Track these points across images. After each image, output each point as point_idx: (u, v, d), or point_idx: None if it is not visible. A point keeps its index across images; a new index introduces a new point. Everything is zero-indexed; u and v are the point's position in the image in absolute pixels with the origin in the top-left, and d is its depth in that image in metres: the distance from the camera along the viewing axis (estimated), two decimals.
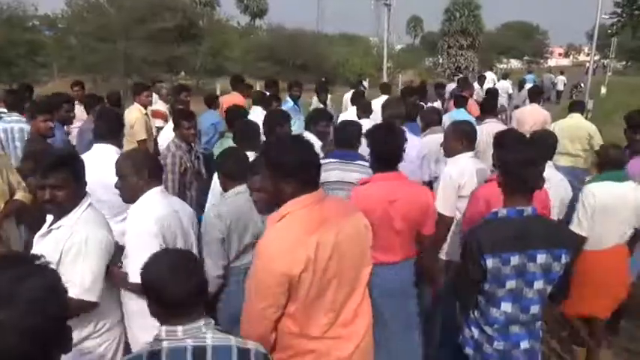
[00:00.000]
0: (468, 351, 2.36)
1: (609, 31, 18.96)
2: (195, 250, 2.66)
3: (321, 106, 7.27)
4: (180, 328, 1.59)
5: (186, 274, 1.64)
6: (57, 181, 2.23)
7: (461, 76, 16.39)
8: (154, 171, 2.61)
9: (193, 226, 2.79)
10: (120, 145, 3.59)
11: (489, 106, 5.92)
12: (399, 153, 2.80)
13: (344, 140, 3.53)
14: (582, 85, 21.95)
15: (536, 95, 7.32)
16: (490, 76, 15.68)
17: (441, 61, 35.67)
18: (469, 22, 33.55)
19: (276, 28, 36.72)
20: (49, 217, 2.40)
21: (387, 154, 2.79)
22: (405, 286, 2.86)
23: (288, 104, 6.92)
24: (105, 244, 2.33)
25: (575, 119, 6.14)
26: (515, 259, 2.15)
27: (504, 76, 15.97)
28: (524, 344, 2.26)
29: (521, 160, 2.22)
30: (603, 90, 23.50)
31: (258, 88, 11.12)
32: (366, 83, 17.81)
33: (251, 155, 3.16)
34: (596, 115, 15.10)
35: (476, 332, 2.32)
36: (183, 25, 24.35)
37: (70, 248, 2.23)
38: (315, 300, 1.90)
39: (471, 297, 2.31)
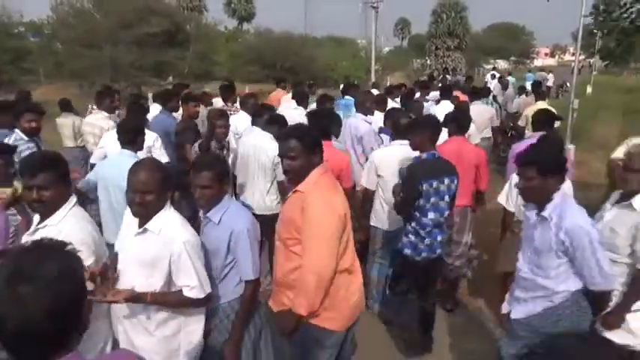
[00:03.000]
0: (407, 252, 3.61)
1: (594, 30, 19.27)
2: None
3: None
4: None
5: None
6: (43, 181, 2.28)
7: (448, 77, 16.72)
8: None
9: None
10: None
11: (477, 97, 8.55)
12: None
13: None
14: (568, 84, 22.27)
15: (524, 90, 10.97)
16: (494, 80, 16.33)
17: (428, 62, 35.98)
18: (456, 24, 33.90)
19: (263, 31, 36.67)
20: (36, 218, 2.43)
21: (319, 128, 3.94)
22: None
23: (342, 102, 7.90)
24: (88, 241, 2.34)
25: (539, 105, 7.64)
26: (435, 184, 3.49)
27: (500, 76, 17.84)
28: (440, 237, 3.65)
29: (430, 129, 3.62)
30: (589, 89, 23.81)
31: (247, 91, 11.63)
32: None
33: None
34: (582, 113, 15.19)
35: (412, 237, 3.60)
36: (170, 30, 24.26)
37: None
38: (347, 241, 2.50)
39: (408, 210, 3.54)
